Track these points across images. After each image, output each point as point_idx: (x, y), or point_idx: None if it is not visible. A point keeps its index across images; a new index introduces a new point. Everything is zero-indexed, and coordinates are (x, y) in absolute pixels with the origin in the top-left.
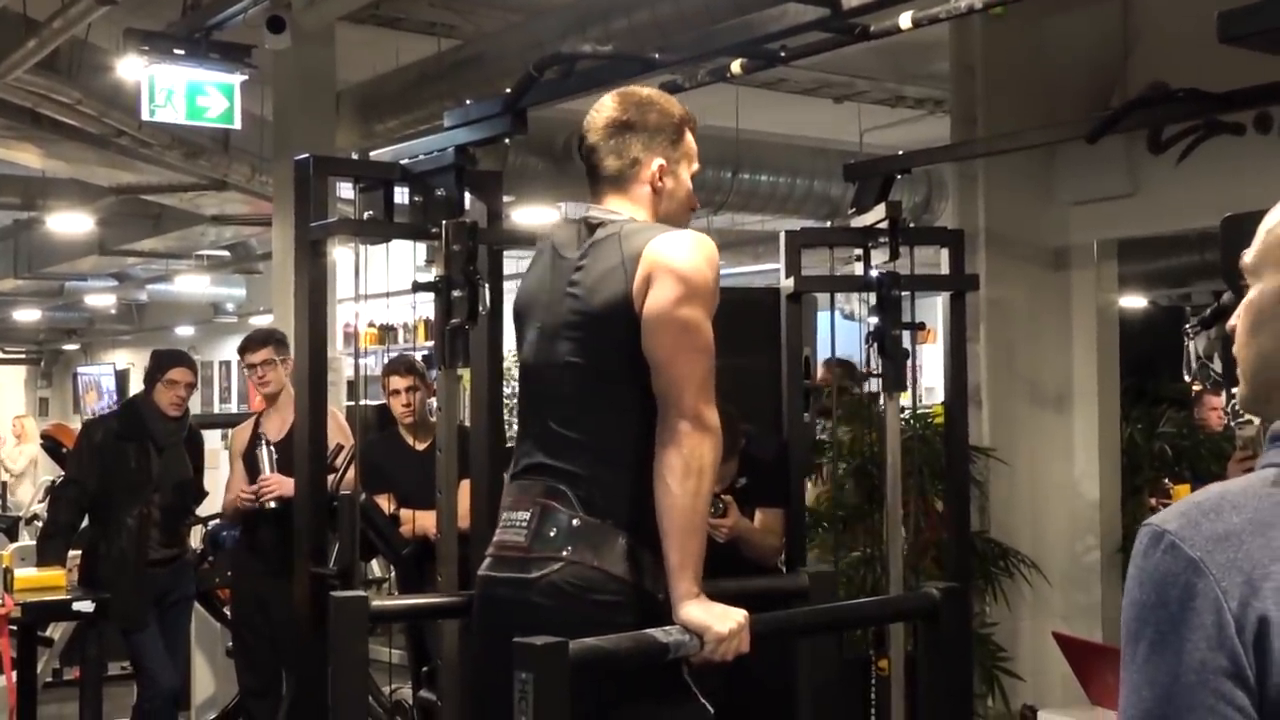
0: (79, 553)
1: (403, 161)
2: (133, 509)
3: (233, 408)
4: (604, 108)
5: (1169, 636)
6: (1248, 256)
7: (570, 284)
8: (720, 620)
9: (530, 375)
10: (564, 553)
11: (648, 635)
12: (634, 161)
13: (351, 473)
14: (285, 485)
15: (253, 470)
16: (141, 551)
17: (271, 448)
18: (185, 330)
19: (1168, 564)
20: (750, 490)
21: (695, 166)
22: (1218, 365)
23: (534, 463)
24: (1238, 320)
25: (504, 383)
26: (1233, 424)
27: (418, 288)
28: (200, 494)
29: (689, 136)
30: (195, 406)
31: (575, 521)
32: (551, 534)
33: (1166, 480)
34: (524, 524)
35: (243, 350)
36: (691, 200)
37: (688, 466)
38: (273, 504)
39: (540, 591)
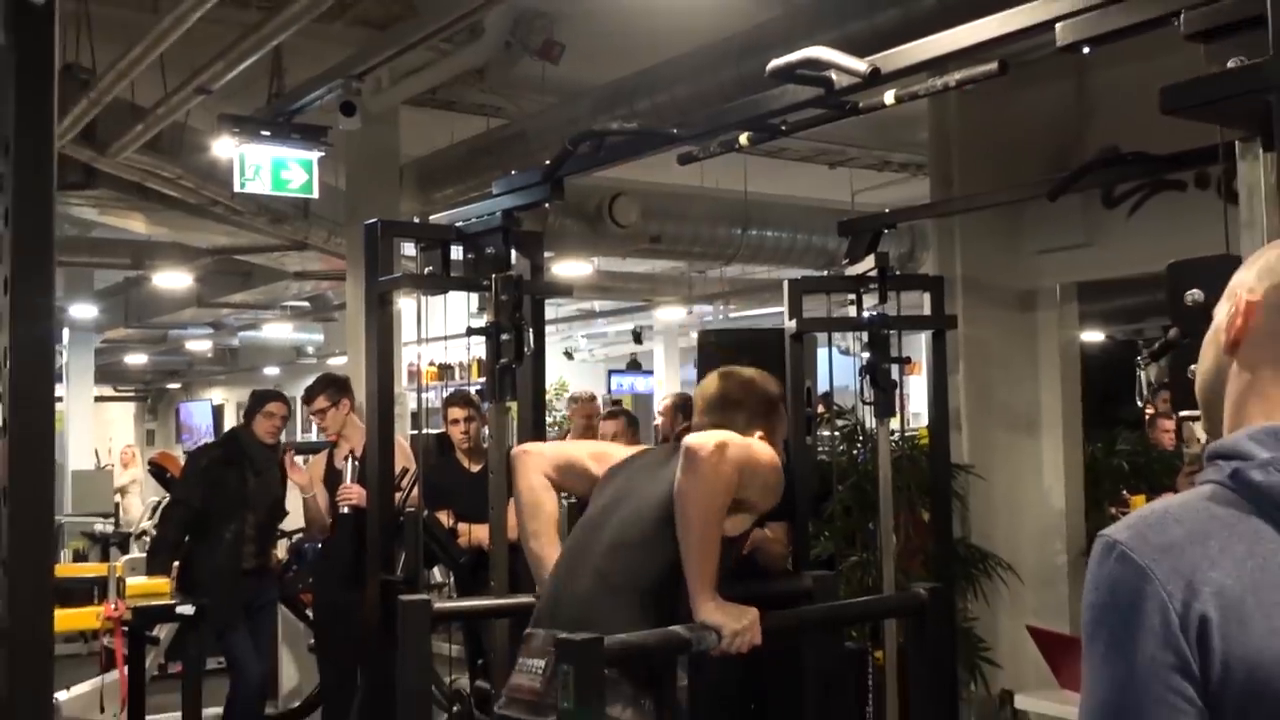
0: (178, 563)
1: (458, 224)
2: (230, 525)
3: (312, 437)
4: (712, 385)
5: (1122, 635)
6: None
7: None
8: (735, 617)
9: (585, 532)
10: None
11: (673, 631)
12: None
13: (415, 493)
14: (362, 495)
15: (335, 481)
16: (236, 562)
17: (357, 462)
18: (272, 370)
19: (1119, 571)
20: None
21: (785, 436)
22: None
23: (552, 614)
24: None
25: (547, 413)
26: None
27: (471, 332)
28: (283, 513)
29: (781, 410)
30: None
31: None
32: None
33: (1124, 492)
34: (539, 670)
35: (304, 401)
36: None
37: (705, 493)
38: (346, 509)
39: None
